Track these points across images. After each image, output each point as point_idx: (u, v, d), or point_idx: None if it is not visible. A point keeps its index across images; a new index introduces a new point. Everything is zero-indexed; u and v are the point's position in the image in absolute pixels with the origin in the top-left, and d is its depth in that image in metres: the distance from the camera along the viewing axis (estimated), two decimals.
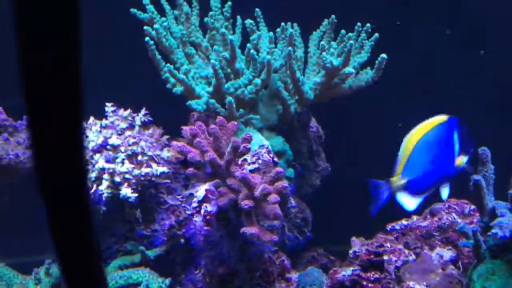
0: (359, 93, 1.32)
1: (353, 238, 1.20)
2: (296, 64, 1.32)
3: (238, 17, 1.38)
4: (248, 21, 1.34)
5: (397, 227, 1.26)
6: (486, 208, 0.99)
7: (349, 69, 1.22)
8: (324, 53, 1.23)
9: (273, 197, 0.94)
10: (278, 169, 0.98)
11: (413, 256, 1.15)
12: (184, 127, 1.07)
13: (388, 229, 1.28)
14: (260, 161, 1.09)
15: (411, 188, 1.07)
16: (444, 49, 1.62)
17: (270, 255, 1.11)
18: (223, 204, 1.03)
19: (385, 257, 1.12)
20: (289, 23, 1.36)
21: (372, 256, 1.12)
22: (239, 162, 1.14)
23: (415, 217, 1.26)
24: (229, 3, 1.34)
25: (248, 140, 1.02)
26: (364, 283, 1.10)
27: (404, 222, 1.26)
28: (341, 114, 1.60)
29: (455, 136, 1.07)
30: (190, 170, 1.04)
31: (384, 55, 1.23)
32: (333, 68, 1.22)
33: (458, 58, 1.60)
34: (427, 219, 1.23)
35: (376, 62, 1.25)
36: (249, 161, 1.15)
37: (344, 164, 1.63)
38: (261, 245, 1.04)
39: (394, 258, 1.11)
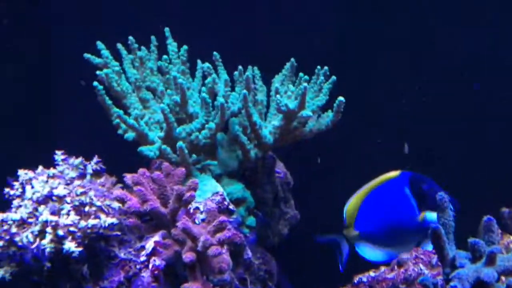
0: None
1: None
2: (256, 108, 1.28)
3: (199, 61, 1.35)
4: (206, 65, 1.31)
5: (364, 279, 1.18)
6: (446, 258, 0.92)
7: (306, 112, 1.18)
8: (278, 96, 1.19)
9: (214, 250, 0.87)
10: (222, 217, 0.91)
11: None
12: (126, 175, 1.01)
13: (355, 281, 1.20)
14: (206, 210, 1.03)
15: (370, 239, 1.03)
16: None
17: None
18: (169, 258, 0.96)
19: None
20: (249, 67, 1.33)
21: None
22: (191, 211, 1.08)
23: (382, 268, 1.19)
24: (185, 47, 1.31)
25: (194, 187, 0.96)
26: None
27: (371, 273, 1.19)
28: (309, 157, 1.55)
29: (407, 191, 1.04)
30: (131, 220, 0.97)
31: (341, 98, 1.19)
32: (289, 111, 1.17)
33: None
34: (394, 270, 1.16)
35: (335, 105, 1.21)
36: (202, 209, 1.09)
37: (315, 211, 1.56)
38: None
39: None
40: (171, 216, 0.96)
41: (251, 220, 1.24)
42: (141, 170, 0.98)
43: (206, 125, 1.17)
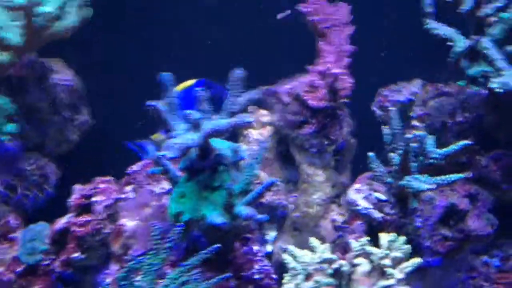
0: None
1: (75, 185, 1.14)
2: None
3: None
4: None
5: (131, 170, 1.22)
6: (171, 133, 0.97)
7: (43, 8, 1.14)
8: None
9: None
10: None
11: (132, 194, 1.12)
12: None
13: (127, 171, 1.24)
14: None
15: None
16: None
17: None
18: None
19: (95, 199, 1.08)
20: None
21: (82, 200, 1.08)
22: None
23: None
24: None
25: None
26: (74, 228, 1.06)
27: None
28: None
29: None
30: None
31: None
32: (21, 6, 1.12)
33: None
34: None
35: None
36: None
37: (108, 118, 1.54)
38: None
39: (103, 198, 1.08)
40: None
41: (10, 127, 1.22)
42: None
43: None
